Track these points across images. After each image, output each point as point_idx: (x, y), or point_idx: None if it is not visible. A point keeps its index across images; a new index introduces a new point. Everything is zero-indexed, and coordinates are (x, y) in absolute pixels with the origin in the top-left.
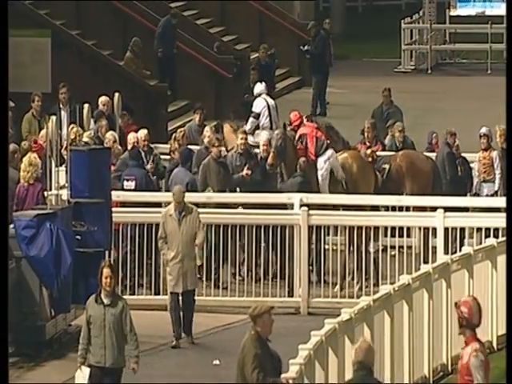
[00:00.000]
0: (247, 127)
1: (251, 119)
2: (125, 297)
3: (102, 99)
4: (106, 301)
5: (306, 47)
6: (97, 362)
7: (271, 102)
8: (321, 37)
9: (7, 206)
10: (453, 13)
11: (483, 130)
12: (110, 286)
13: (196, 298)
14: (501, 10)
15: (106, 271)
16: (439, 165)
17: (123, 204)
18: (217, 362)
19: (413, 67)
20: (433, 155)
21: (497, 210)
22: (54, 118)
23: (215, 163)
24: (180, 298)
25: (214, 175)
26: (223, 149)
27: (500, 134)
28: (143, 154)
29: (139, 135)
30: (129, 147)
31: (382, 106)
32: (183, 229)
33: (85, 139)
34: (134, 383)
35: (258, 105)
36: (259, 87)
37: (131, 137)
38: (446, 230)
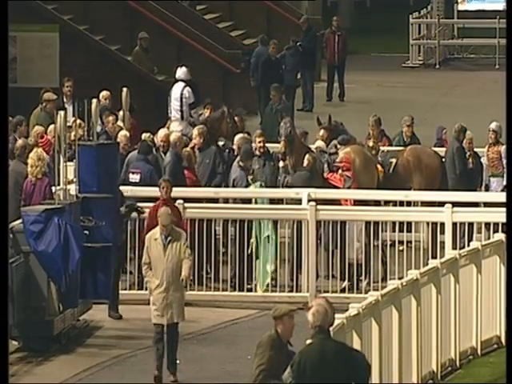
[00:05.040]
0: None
1: None
2: (132, 292)
3: (104, 94)
4: None
5: (298, 42)
6: None
7: (173, 91)
8: (312, 32)
9: (7, 206)
10: (461, 7)
11: (492, 124)
12: None
13: (204, 292)
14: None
15: None
16: (449, 159)
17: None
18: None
19: (421, 62)
20: (441, 150)
21: (505, 204)
22: (62, 112)
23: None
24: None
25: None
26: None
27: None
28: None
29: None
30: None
31: (271, 104)
32: (169, 255)
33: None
34: (147, 383)
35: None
36: (177, 72)
37: (175, 137)
38: (454, 224)
